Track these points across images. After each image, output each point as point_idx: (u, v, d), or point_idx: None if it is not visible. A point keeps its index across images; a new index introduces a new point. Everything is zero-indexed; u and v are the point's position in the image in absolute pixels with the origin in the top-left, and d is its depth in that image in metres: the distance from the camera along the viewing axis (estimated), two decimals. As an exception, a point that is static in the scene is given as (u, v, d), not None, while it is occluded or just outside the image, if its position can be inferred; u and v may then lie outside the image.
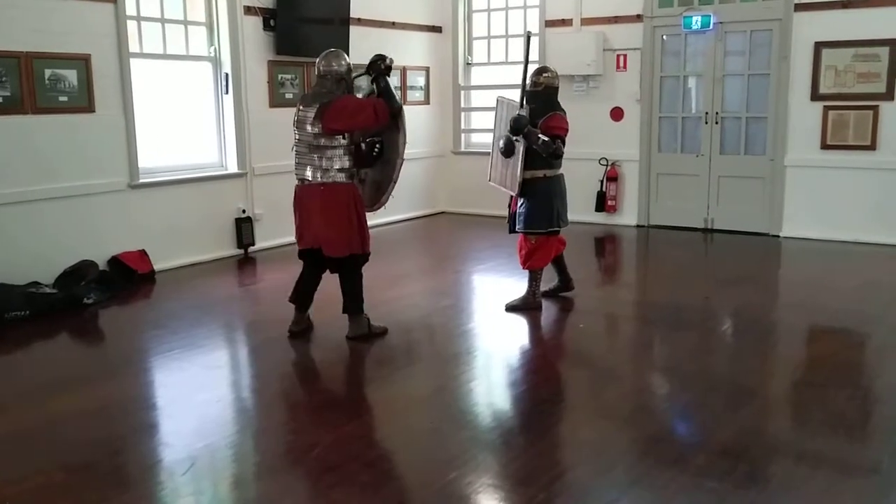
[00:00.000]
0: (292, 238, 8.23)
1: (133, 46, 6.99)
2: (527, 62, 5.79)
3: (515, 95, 5.86)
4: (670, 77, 9.06)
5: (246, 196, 8.02)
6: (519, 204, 5.82)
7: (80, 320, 5.93)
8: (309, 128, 4.99)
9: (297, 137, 5.10)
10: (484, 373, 4.84)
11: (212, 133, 7.89)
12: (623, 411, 4.21)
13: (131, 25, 6.98)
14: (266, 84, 8.11)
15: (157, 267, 7.07)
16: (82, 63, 6.50)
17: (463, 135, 10.52)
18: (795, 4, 8.16)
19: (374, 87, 5.12)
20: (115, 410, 4.23)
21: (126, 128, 6.89)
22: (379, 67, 5.09)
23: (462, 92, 10.42)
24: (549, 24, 9.54)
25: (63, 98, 6.43)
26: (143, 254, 6.98)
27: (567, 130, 5.71)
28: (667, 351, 5.37)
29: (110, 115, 6.77)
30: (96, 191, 6.73)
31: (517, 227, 5.86)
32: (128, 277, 6.74)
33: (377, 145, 5.13)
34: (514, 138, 5.61)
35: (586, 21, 9.31)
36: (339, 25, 8.60)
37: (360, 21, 8.94)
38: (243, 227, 7.93)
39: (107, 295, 6.31)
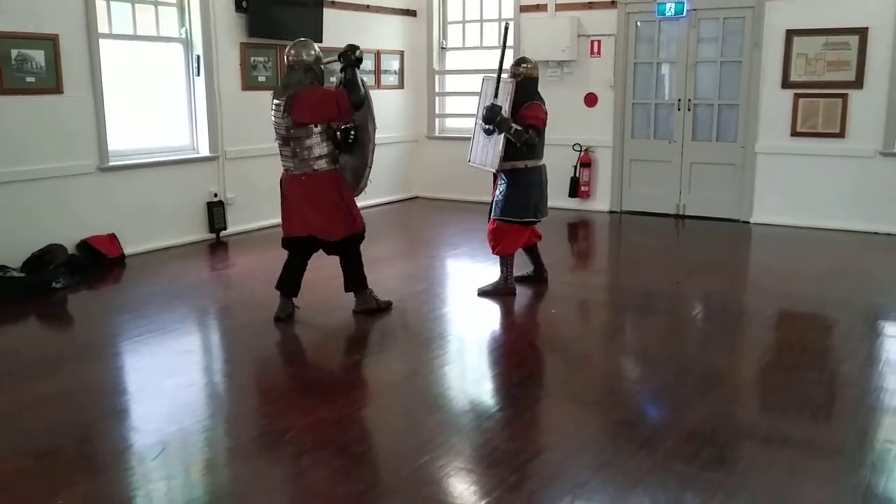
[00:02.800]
0: (265, 222, 8.32)
1: (102, 27, 6.87)
2: (503, 52, 5.75)
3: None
4: (644, 63, 9.09)
5: (218, 180, 7.95)
6: (497, 192, 5.80)
7: (49, 305, 5.86)
8: (281, 120, 5.01)
9: (275, 130, 5.11)
10: (457, 357, 4.86)
11: (183, 116, 7.79)
12: (594, 395, 4.24)
13: (100, 6, 6.85)
14: (238, 66, 8.03)
15: (127, 251, 6.99)
16: (50, 43, 6.39)
17: (437, 119, 10.49)
18: (768, -8, 8.23)
19: (343, 76, 5.08)
20: (84, 395, 4.20)
21: (95, 110, 6.79)
22: (350, 58, 5.02)
23: (437, 76, 10.38)
24: (524, 9, 9.52)
25: (30, 79, 6.31)
26: (112, 238, 6.90)
27: (544, 120, 5.68)
28: (637, 336, 5.42)
29: (79, 96, 6.66)
30: (65, 173, 6.62)
31: (493, 213, 5.84)
32: (97, 261, 6.66)
33: (351, 132, 5.14)
34: (486, 127, 5.59)
35: (561, 7, 9.30)
36: (312, 8, 8.52)
37: (334, 4, 8.87)
38: (215, 211, 7.86)
39: (75, 279, 6.24)
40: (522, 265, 6.13)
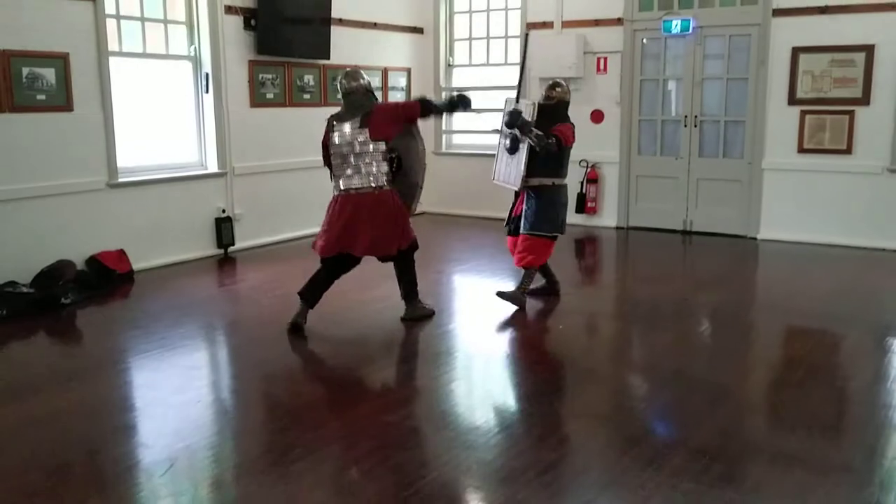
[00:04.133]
0: (273, 238, 8.36)
1: (112, 45, 6.94)
2: (524, 61, 6.46)
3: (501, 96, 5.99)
4: (650, 80, 9.12)
5: (226, 196, 7.99)
6: (525, 207, 5.96)
7: (58, 320, 5.88)
8: (353, 138, 5.32)
9: (334, 152, 5.39)
10: (464, 373, 4.86)
11: (192, 132, 7.85)
12: (601, 411, 4.24)
13: (111, 24, 6.93)
14: (247, 83, 8.09)
15: (136, 267, 7.03)
16: (60, 61, 6.45)
17: (444, 136, 10.54)
18: (773, 10, 8.26)
19: (449, 105, 5.62)
20: (92, 411, 4.21)
21: (105, 126, 6.84)
22: (454, 103, 5.57)
23: (444, 93, 10.42)
24: (531, 26, 9.58)
25: (41, 96, 6.38)
26: (121, 253, 6.93)
27: (570, 139, 5.88)
28: (645, 351, 5.42)
29: (89, 113, 6.72)
30: (74, 190, 6.67)
31: (522, 228, 5.97)
32: (106, 277, 6.69)
33: (395, 160, 5.43)
34: (509, 131, 5.80)
35: (567, 24, 9.35)
36: (320, 26, 8.59)
37: (341, 21, 8.93)
38: (223, 227, 7.90)
39: (84, 295, 6.27)
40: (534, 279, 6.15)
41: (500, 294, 6.03)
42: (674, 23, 8.66)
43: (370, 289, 5.99)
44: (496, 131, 6.30)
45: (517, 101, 5.98)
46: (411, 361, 5.15)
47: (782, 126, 8.36)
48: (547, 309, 6.14)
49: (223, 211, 7.94)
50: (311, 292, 5.47)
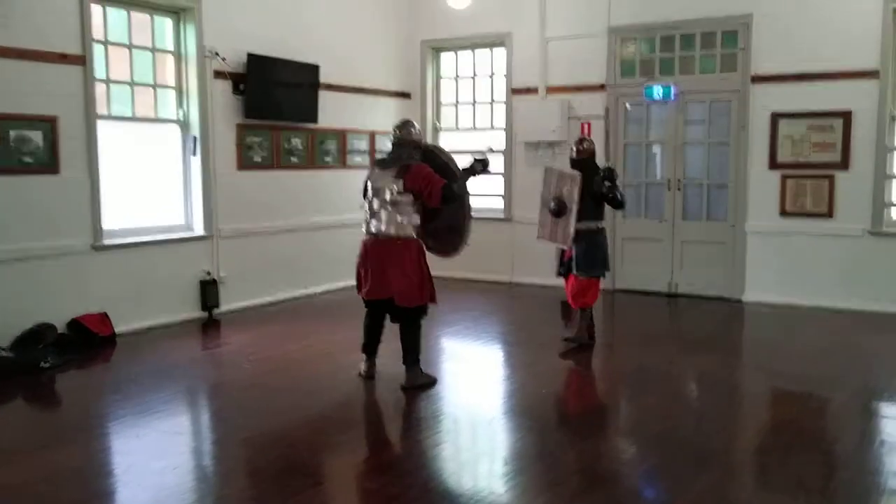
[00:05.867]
0: (258, 300, 8.31)
1: (101, 108, 7.00)
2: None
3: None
4: (633, 144, 9.26)
5: (211, 258, 7.97)
6: (576, 252, 6.53)
7: (36, 384, 5.80)
8: (390, 187, 5.47)
9: (372, 196, 5.57)
10: (448, 437, 4.79)
11: (178, 195, 7.87)
12: (587, 475, 4.18)
13: (100, 88, 7.00)
14: (234, 147, 8.16)
15: (118, 330, 6.96)
16: (48, 124, 6.50)
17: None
18: (752, 76, 8.45)
19: (470, 169, 5.61)
20: (69, 478, 4.11)
21: (91, 189, 6.86)
22: (475, 169, 5.59)
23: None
24: (515, 91, 9.76)
25: (28, 159, 6.40)
26: (104, 316, 6.87)
27: None
28: (631, 414, 5.37)
29: (75, 176, 6.73)
30: (58, 252, 6.64)
31: (576, 270, 6.57)
32: (88, 341, 6.63)
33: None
34: (607, 185, 6.41)
35: (551, 89, 9.53)
36: (308, 90, 8.72)
37: (329, 87, 9.07)
38: (208, 290, 7.86)
39: (65, 359, 6.20)
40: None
41: (567, 339, 6.73)
42: (655, 89, 8.84)
43: (356, 351, 5.95)
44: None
45: (568, 171, 6.60)
46: (396, 425, 5.09)
47: (764, 189, 8.48)
48: (533, 372, 6.11)
49: (208, 273, 7.91)
50: (369, 345, 5.75)
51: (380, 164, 5.71)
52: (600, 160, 9.13)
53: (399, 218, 5.46)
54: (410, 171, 5.44)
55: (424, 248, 5.63)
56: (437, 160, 5.69)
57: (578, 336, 6.70)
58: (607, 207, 6.61)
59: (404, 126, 5.68)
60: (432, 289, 5.60)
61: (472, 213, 5.68)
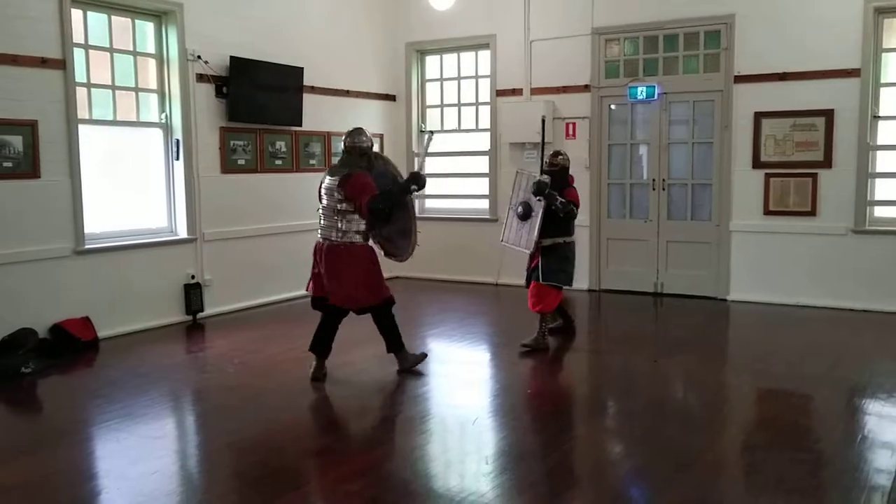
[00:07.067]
0: (242, 303, 8.28)
1: (82, 112, 6.96)
2: (543, 142, 7.40)
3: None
4: (618, 145, 9.28)
5: (196, 261, 7.93)
6: (541, 261, 6.54)
7: (17, 390, 5.75)
8: (335, 194, 5.60)
9: (324, 203, 5.71)
10: (434, 438, 4.77)
11: (161, 198, 7.83)
12: (572, 475, 4.17)
13: (81, 92, 6.96)
14: (218, 150, 8.12)
15: (101, 334, 6.92)
16: (28, 129, 6.45)
17: (417, 201, 10.57)
18: (735, 76, 8.47)
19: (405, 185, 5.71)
20: (48, 484, 4.07)
21: (72, 193, 6.81)
22: (408, 187, 5.70)
23: (415, 158, 10.52)
24: (500, 93, 9.76)
25: (7, 164, 6.35)
26: (86, 321, 6.83)
27: (579, 202, 6.59)
28: (616, 414, 5.37)
29: (56, 180, 6.69)
30: (40, 257, 6.59)
31: (540, 279, 6.54)
32: (70, 345, 6.58)
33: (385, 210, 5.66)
34: (537, 198, 6.33)
35: (536, 91, 9.54)
36: (292, 93, 8.68)
37: (313, 89, 9.04)
38: (192, 293, 7.82)
39: (46, 364, 6.15)
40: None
41: (525, 345, 6.55)
42: (639, 89, 8.85)
43: (339, 354, 5.93)
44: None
45: (536, 174, 6.62)
46: (381, 426, 5.07)
47: (748, 188, 8.50)
48: (519, 373, 6.10)
49: (192, 277, 7.87)
50: (320, 345, 5.76)
51: (330, 170, 5.82)
52: (583, 160, 9.23)
53: (342, 224, 5.61)
54: (350, 180, 5.55)
55: (375, 252, 5.78)
56: (384, 169, 5.88)
57: (536, 340, 6.60)
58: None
59: (354, 133, 5.75)
60: (385, 289, 5.75)
61: (416, 219, 5.88)
